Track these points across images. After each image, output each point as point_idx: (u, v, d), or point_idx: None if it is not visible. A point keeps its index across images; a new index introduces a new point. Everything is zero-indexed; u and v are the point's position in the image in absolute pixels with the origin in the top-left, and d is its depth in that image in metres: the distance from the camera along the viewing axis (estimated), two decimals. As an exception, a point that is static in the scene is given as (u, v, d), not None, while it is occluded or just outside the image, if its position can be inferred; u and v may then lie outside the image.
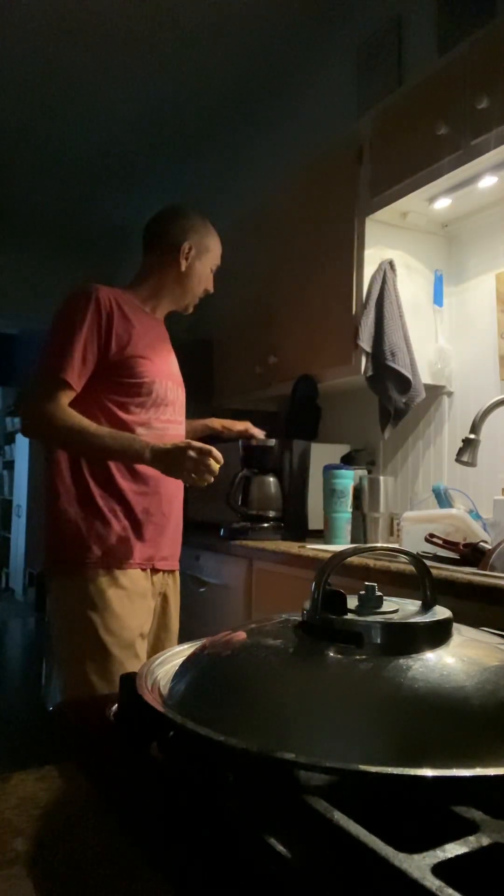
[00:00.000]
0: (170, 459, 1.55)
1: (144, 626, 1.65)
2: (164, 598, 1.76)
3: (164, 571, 1.73)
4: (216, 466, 1.56)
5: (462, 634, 0.51)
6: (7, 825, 0.41)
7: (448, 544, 1.64)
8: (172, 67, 3.20)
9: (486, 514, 1.85)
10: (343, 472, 2.10)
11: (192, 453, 1.53)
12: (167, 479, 1.68)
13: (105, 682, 1.52)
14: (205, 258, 1.82)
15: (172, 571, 1.78)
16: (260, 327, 2.73)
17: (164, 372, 1.74)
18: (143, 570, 1.66)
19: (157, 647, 1.73)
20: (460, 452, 1.75)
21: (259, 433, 2.16)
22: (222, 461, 1.58)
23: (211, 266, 1.85)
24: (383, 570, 1.53)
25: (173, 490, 1.74)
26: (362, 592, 0.51)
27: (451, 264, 2.33)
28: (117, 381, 1.65)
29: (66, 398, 1.59)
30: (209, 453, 1.54)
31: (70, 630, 1.59)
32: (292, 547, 1.98)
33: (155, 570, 1.69)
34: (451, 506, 1.95)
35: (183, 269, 1.79)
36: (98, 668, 1.53)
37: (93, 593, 1.56)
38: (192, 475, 1.55)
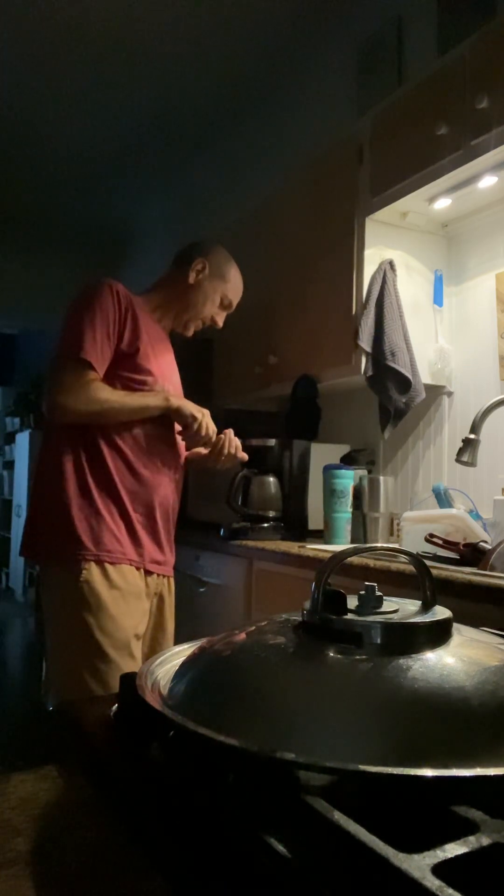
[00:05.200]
0: (187, 403, 1.70)
1: (139, 626, 1.64)
2: (160, 598, 1.75)
3: (158, 575, 1.73)
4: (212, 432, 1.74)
5: (462, 634, 0.51)
6: (7, 825, 0.41)
7: (448, 544, 1.64)
8: (172, 67, 3.20)
9: (486, 514, 1.85)
10: (343, 472, 2.10)
11: (207, 419, 1.72)
12: (165, 484, 1.71)
13: (100, 684, 1.51)
14: (217, 282, 1.83)
15: (167, 576, 1.78)
16: (260, 327, 2.73)
17: (167, 377, 1.76)
18: (137, 569, 1.65)
19: (153, 647, 1.72)
20: (460, 452, 1.75)
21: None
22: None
23: (222, 296, 1.85)
24: (383, 570, 1.53)
25: (170, 497, 1.74)
26: (362, 592, 0.51)
27: (451, 264, 2.33)
28: (123, 377, 1.66)
29: (92, 377, 1.60)
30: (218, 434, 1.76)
31: (65, 631, 1.59)
32: (292, 547, 1.98)
33: (148, 573, 1.69)
34: (451, 506, 1.94)
35: (191, 281, 1.80)
36: (93, 669, 1.52)
37: (87, 593, 1.55)
38: (197, 419, 1.69)
